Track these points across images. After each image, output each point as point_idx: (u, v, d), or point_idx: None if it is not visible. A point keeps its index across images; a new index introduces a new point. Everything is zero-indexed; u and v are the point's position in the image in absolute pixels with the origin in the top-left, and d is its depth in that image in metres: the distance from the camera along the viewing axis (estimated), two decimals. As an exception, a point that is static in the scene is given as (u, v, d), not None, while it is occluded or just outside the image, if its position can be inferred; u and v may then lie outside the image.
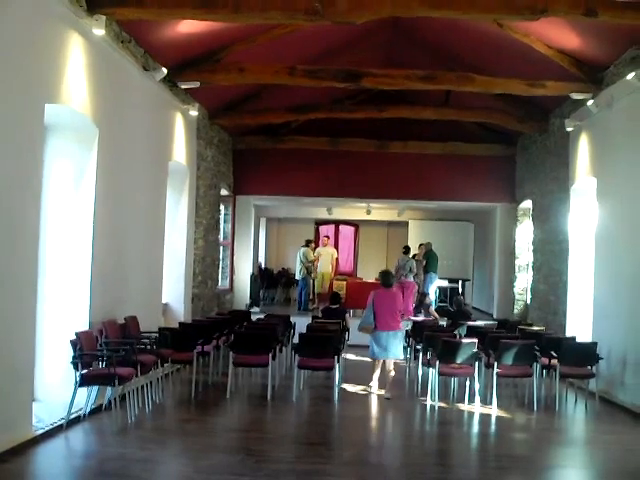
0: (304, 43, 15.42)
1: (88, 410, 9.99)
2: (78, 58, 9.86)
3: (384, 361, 12.88)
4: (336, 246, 28.00)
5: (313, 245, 23.74)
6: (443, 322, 16.97)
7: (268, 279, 26.88)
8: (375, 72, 14.33)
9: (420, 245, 22.26)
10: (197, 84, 13.98)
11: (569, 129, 15.04)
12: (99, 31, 9.99)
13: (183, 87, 14.20)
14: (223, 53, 13.91)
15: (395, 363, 13.05)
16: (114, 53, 11.09)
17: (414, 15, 11.98)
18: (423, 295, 21.31)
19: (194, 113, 15.42)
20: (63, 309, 10.28)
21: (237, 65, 13.90)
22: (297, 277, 23.06)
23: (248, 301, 21.48)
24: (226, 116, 17.90)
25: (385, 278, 13.25)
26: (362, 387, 13.33)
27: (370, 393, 12.91)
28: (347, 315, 15.98)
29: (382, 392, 12.76)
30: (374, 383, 13.01)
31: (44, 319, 10.04)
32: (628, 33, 11.59)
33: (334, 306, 15.78)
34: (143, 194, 12.80)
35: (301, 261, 22.42)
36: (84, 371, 9.60)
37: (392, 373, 12.77)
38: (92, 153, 10.53)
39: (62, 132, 10.34)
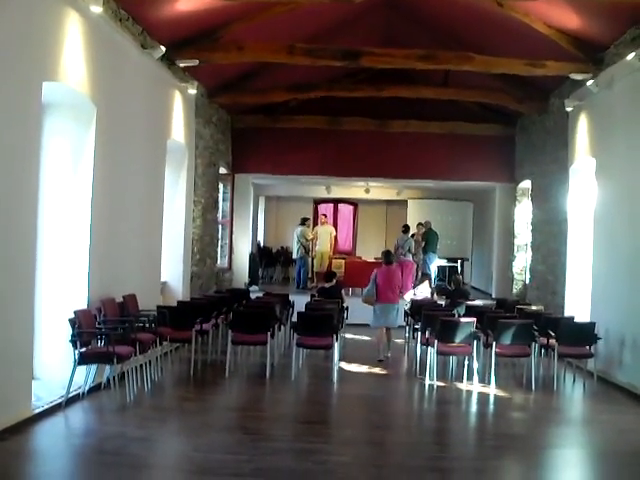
0: (303, 22, 15.33)
1: (87, 388, 10.02)
2: (75, 36, 9.80)
3: (385, 329, 14.38)
4: (335, 225, 27.98)
5: (310, 223, 23.73)
6: (442, 301, 16.98)
7: (267, 258, 26.91)
8: (374, 51, 14.30)
9: (419, 224, 22.25)
10: (196, 62, 13.91)
11: (569, 109, 15.01)
12: (97, 8, 9.90)
13: (182, 65, 14.13)
14: (222, 31, 13.83)
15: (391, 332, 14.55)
16: (112, 31, 11.01)
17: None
18: (425, 275, 21.34)
19: (192, 91, 15.35)
20: (61, 288, 10.29)
21: (236, 43, 13.83)
22: (294, 256, 23.06)
23: (247, 280, 21.48)
24: (225, 94, 17.83)
25: (387, 257, 14.88)
26: (360, 365, 13.40)
27: (380, 360, 13.92)
28: (342, 293, 16.09)
29: (386, 354, 14.22)
30: (381, 351, 14.18)
31: (43, 298, 10.04)
32: (628, 13, 11.54)
33: (328, 285, 15.85)
34: (141, 172, 12.77)
35: (298, 240, 22.39)
36: (83, 349, 9.62)
37: (391, 339, 14.49)
38: (90, 131, 10.49)
39: (60, 110, 10.30)
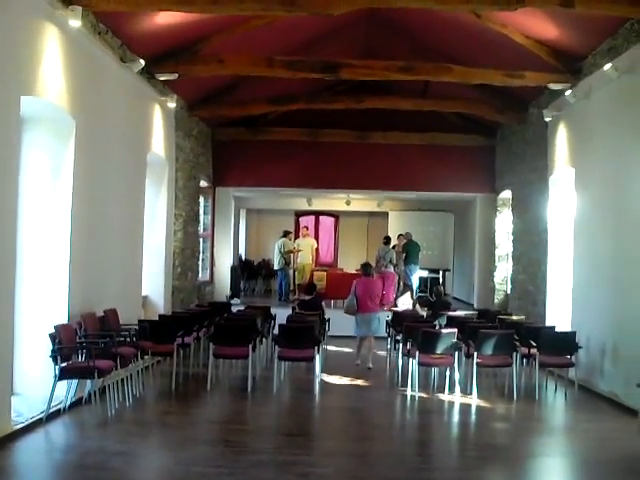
0: (282, 34, 15.36)
1: (68, 404, 9.97)
2: (54, 50, 9.79)
3: (367, 338, 14.89)
4: (316, 237, 27.99)
5: (292, 236, 23.72)
6: (423, 312, 17.02)
7: (248, 270, 26.87)
8: (353, 63, 14.33)
9: (399, 236, 22.28)
10: (175, 76, 13.92)
11: (547, 119, 15.11)
12: (75, 22, 9.92)
13: (161, 79, 14.14)
14: (201, 44, 13.84)
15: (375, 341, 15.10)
16: (91, 45, 11.01)
17: (392, 6, 11.98)
18: (406, 287, 21.34)
19: (172, 105, 15.35)
20: (41, 303, 10.24)
21: (216, 56, 13.84)
22: (276, 268, 23.02)
23: (229, 292, 21.44)
24: (205, 107, 17.83)
25: (365, 269, 15.43)
26: (342, 377, 13.41)
27: (357, 365, 14.64)
28: (323, 305, 16.29)
29: (368, 364, 14.50)
30: (360, 358, 14.80)
31: (22, 313, 9.98)
32: (605, 24, 11.65)
33: (308, 297, 15.94)
34: (121, 186, 12.74)
35: (280, 252, 22.38)
36: (63, 364, 9.57)
37: (373, 349, 14.93)
38: (69, 145, 10.47)
39: (39, 124, 10.28)
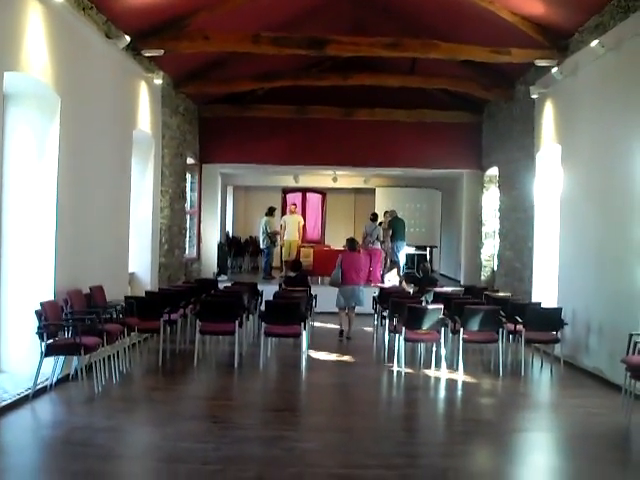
0: (268, 11, 15.27)
1: (54, 380, 9.97)
2: (38, 25, 9.71)
3: (348, 310, 15.39)
4: (303, 214, 28.03)
5: (277, 213, 23.72)
6: (410, 289, 17.07)
7: (236, 247, 26.87)
8: (340, 39, 14.24)
9: (385, 213, 22.31)
10: (161, 52, 13.82)
11: (534, 96, 15.09)
12: (59, -3, 9.86)
13: (147, 55, 14.04)
14: (187, 21, 13.74)
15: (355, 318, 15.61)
16: (75, 20, 10.91)
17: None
18: (393, 263, 21.39)
19: (159, 81, 15.26)
20: (27, 279, 10.22)
21: (202, 33, 13.75)
22: (261, 246, 23.08)
23: (216, 269, 21.45)
24: (191, 84, 17.75)
25: (351, 244, 15.86)
26: (329, 353, 13.50)
27: (340, 340, 15.11)
28: (309, 280, 16.75)
29: (348, 335, 15.25)
30: (344, 328, 15.35)
31: (8, 290, 10.01)
32: (591, 0, 11.62)
33: (293, 274, 16.09)
34: (107, 163, 12.71)
35: (264, 230, 22.38)
36: (49, 341, 9.56)
37: (352, 322, 15.45)
38: (54, 121, 10.40)
39: (23, 100, 10.21)
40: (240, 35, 14.01)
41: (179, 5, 13.00)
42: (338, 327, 15.45)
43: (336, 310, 15.59)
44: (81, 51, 11.41)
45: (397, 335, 12.28)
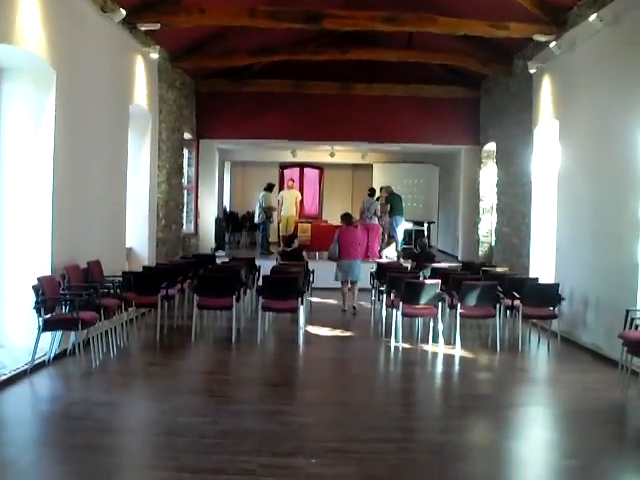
0: (266, -17, 15.21)
1: (52, 355, 9.98)
2: (32, -2, 9.64)
3: (349, 284, 15.61)
4: (301, 189, 28.01)
5: (275, 189, 23.68)
6: (408, 264, 17.07)
7: (233, 223, 26.90)
8: (336, 13, 14.17)
9: (381, 188, 22.27)
10: (157, 26, 13.73)
11: (532, 71, 15.03)
12: (53, -30, 9.78)
13: (143, 29, 13.94)
14: (183, -6, 13.70)
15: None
16: (70, -7, 10.86)
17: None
18: (391, 238, 21.38)
19: (155, 56, 15.15)
20: (24, 254, 10.22)
21: (198, 6, 13.66)
22: (256, 222, 23.03)
23: (213, 245, 21.45)
24: (188, 59, 17.69)
25: (347, 218, 16.04)
26: (326, 328, 13.52)
27: (343, 311, 15.45)
28: (305, 255, 16.97)
29: (353, 305, 15.57)
30: (345, 302, 15.60)
31: (5, 265, 10.02)
32: (591, -27, 11.58)
33: (289, 248, 16.16)
34: (104, 137, 12.67)
35: (260, 205, 22.34)
36: (47, 316, 9.56)
37: (356, 294, 15.68)
38: (50, 96, 10.35)
39: (18, 75, 10.16)
40: (236, 9, 13.93)
41: (175, -22, 12.92)
42: (336, 302, 15.51)
43: (333, 285, 15.74)
44: (76, 25, 11.33)
45: (394, 310, 12.27)
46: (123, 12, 12.44)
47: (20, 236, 10.22)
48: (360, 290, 15.79)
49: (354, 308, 15.50)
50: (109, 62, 12.88)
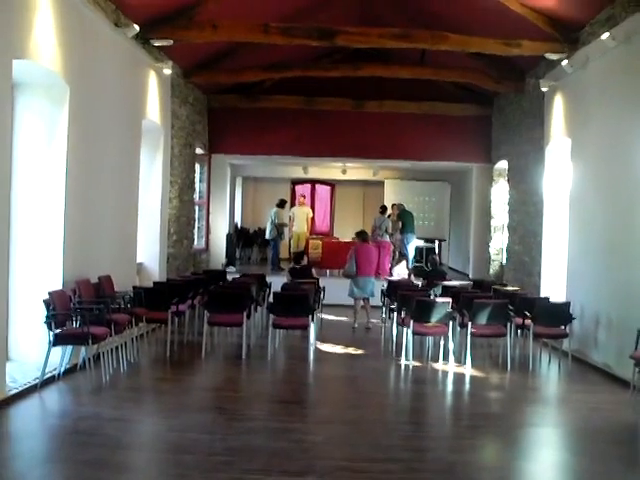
0: (278, 0, 15.25)
1: (62, 370, 9.98)
2: (46, 13, 9.65)
3: (363, 301, 15.85)
4: (312, 206, 27.96)
5: (287, 206, 23.69)
6: (418, 282, 17.06)
7: (244, 238, 26.88)
8: (349, 30, 14.18)
9: (393, 205, 22.26)
10: (170, 42, 13.80)
11: (544, 89, 15.02)
12: (68, -15, 9.82)
13: (156, 45, 14.00)
14: (196, 10, 13.72)
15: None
16: (84, 8, 10.85)
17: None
18: (402, 256, 21.35)
19: (168, 71, 15.20)
20: (36, 269, 10.23)
21: (211, 22, 13.68)
22: (267, 238, 23.01)
23: (224, 261, 21.44)
24: (200, 74, 17.74)
25: (362, 235, 16.40)
26: (336, 345, 13.48)
27: (354, 329, 15.56)
28: (313, 272, 17.05)
29: (367, 325, 15.69)
30: (357, 319, 15.78)
31: (17, 279, 9.99)
32: (603, -8, 11.58)
33: (298, 265, 16.15)
34: (116, 152, 12.70)
35: (272, 221, 22.34)
36: (57, 330, 9.58)
37: (369, 312, 15.81)
38: (63, 110, 10.38)
39: (32, 89, 10.20)
40: (249, 25, 13.95)
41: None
42: (346, 319, 15.48)
43: (344, 302, 15.84)
44: (90, 40, 11.37)
45: (405, 328, 12.26)
46: (136, 27, 12.49)
47: (32, 250, 10.22)
48: (371, 307, 15.75)
49: (368, 325, 15.58)
50: (122, 77, 12.92)
